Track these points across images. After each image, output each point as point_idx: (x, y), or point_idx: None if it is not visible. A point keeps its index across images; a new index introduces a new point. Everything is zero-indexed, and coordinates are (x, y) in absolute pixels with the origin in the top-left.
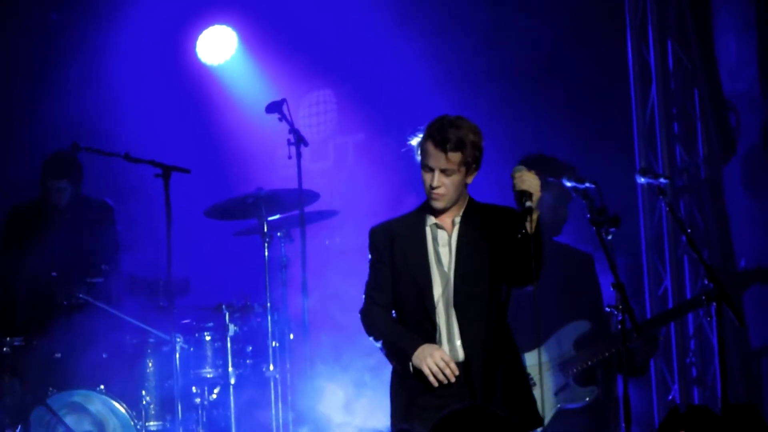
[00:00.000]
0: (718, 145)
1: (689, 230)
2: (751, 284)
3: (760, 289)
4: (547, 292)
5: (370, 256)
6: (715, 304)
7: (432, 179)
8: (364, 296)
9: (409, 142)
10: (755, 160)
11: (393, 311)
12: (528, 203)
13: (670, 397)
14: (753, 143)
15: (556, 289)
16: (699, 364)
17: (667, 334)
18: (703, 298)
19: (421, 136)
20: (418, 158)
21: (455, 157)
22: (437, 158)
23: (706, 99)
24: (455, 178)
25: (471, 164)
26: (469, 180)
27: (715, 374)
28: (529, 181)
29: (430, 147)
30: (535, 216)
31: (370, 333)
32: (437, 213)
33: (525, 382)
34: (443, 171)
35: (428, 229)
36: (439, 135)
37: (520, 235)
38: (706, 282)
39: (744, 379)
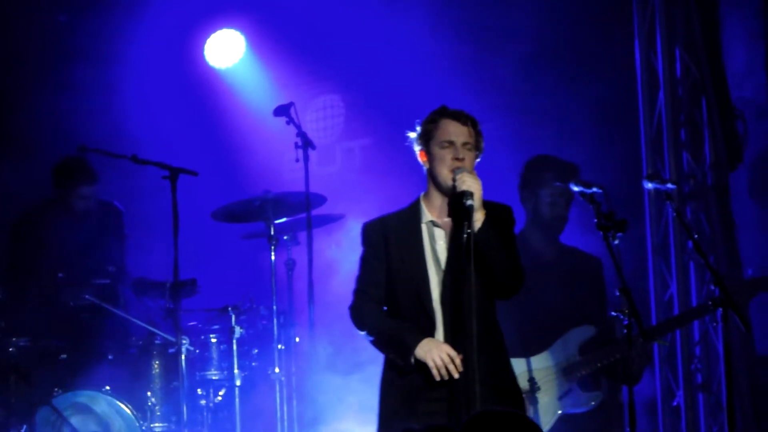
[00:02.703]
0: (725, 152)
1: (696, 236)
2: (758, 292)
3: (766, 296)
4: (553, 295)
5: (362, 251)
6: (721, 309)
7: (456, 152)
8: (354, 291)
9: (408, 134)
10: (762, 167)
11: (384, 307)
12: (469, 202)
13: (675, 403)
14: (760, 151)
15: (563, 292)
16: (704, 371)
17: (672, 340)
18: (710, 303)
19: (423, 125)
20: (419, 147)
21: (474, 132)
22: (459, 131)
23: (713, 106)
24: (473, 155)
25: (479, 149)
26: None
27: (721, 381)
28: (469, 181)
29: (449, 123)
30: (479, 215)
31: (362, 327)
32: (433, 210)
33: (516, 382)
34: (464, 144)
35: (424, 227)
36: (457, 112)
37: (465, 235)
38: (712, 288)
39: (750, 386)
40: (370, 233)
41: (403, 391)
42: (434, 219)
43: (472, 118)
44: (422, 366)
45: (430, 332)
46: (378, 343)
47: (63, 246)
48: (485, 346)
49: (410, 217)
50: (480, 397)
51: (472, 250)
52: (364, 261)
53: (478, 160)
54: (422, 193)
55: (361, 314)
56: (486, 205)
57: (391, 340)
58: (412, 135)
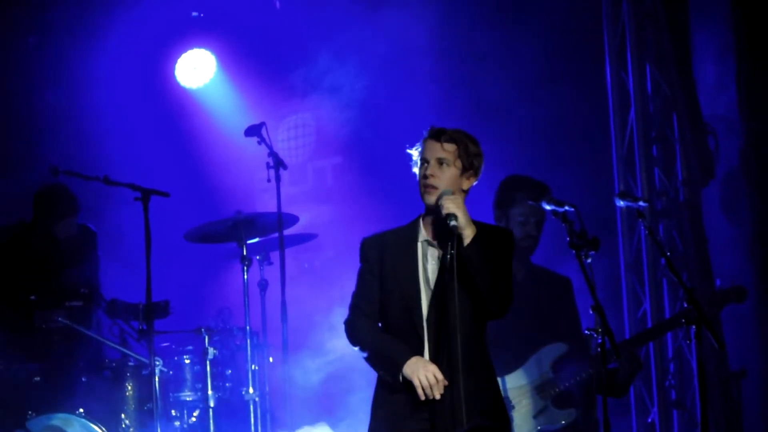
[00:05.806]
0: (697, 168)
1: (668, 253)
2: (727, 303)
3: (738, 309)
4: (524, 314)
5: (360, 267)
6: (694, 327)
7: (426, 169)
8: (350, 306)
9: (408, 151)
10: (734, 183)
11: (379, 323)
12: (453, 223)
13: (650, 420)
14: (731, 166)
15: (533, 311)
16: (678, 387)
17: (646, 356)
18: (683, 321)
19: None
20: (416, 165)
21: (450, 147)
22: (432, 148)
23: (684, 122)
24: (451, 171)
25: (468, 168)
26: (465, 186)
27: (695, 397)
28: (449, 205)
29: (425, 142)
30: (468, 232)
31: (355, 343)
32: (430, 229)
33: (502, 404)
34: (438, 161)
35: (419, 245)
36: (435, 129)
37: (448, 256)
38: (685, 304)
39: (723, 402)
40: (367, 249)
41: (391, 410)
42: (429, 238)
43: (449, 134)
44: (410, 384)
45: (419, 350)
46: (370, 359)
47: (38, 268)
48: (471, 368)
49: (408, 234)
50: (466, 419)
51: (455, 270)
52: (361, 277)
53: (471, 179)
54: (422, 212)
55: (354, 329)
56: (482, 227)
57: (381, 356)
58: (415, 156)
